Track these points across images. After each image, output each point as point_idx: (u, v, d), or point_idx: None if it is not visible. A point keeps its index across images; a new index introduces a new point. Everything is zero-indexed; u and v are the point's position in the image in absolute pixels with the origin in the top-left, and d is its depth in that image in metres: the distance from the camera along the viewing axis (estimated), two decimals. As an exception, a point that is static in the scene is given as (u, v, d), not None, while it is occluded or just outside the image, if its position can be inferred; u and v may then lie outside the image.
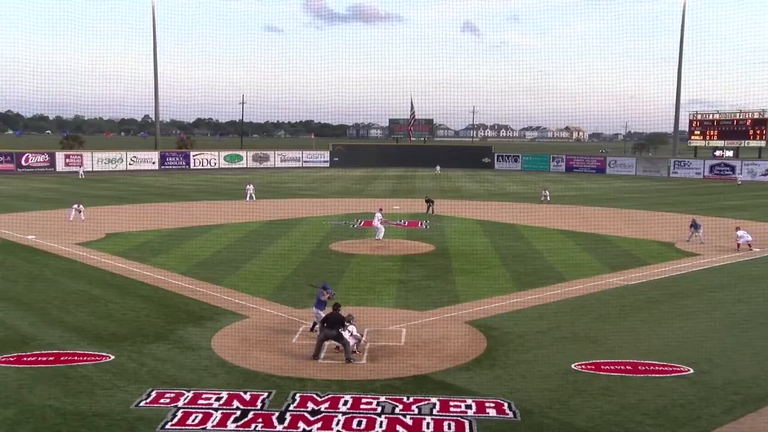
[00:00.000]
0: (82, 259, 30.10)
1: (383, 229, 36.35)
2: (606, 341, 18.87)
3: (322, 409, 14.07)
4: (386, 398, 14.65)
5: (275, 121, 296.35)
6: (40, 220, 41.28)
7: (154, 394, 14.82)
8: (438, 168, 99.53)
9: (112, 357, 17.22)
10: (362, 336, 18.21)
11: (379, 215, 37.17)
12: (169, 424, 13.39)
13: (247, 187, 57.29)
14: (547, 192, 59.12)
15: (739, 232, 34.62)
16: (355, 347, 17.50)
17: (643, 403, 14.57)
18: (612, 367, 16.75)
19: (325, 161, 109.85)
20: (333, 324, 17.24)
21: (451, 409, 14.22)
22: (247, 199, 55.34)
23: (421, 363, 17.02)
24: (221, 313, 21.61)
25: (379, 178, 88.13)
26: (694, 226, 36.87)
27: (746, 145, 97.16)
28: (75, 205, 43.55)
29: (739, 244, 34.14)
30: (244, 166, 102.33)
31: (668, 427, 13.54)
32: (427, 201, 49.65)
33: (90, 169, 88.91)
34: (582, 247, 34.76)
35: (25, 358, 17.11)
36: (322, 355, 17.33)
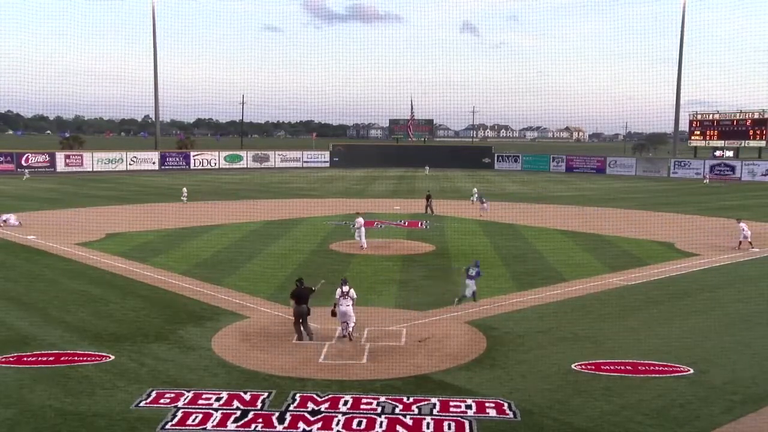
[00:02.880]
0: (83, 259, 30.11)
1: (363, 231, 34.16)
2: (606, 341, 18.88)
3: (322, 409, 14.07)
4: (386, 398, 14.66)
5: (275, 121, 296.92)
6: (40, 220, 41.30)
7: (154, 394, 14.83)
8: (427, 168, 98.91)
9: (113, 357, 17.24)
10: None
11: (359, 220, 34.71)
12: (169, 424, 13.40)
13: (183, 189, 57.20)
14: (477, 192, 54.53)
15: (742, 224, 34.62)
16: (351, 328, 18.61)
17: (643, 403, 14.58)
18: (612, 367, 16.75)
19: (325, 161, 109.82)
20: (301, 299, 18.65)
21: (451, 409, 14.23)
22: (184, 201, 54.12)
23: (421, 363, 17.03)
24: (221, 313, 21.62)
25: (380, 178, 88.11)
26: (480, 200, 48.28)
27: (746, 145, 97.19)
28: (5, 216, 40.41)
29: (740, 242, 34.14)
30: (244, 166, 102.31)
31: (668, 427, 13.55)
32: (427, 198, 49.62)
33: (90, 170, 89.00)
34: (582, 247, 34.77)
35: (25, 358, 17.12)
36: (306, 338, 18.67)
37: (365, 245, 33.63)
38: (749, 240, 34.23)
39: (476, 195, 53.73)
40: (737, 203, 58.14)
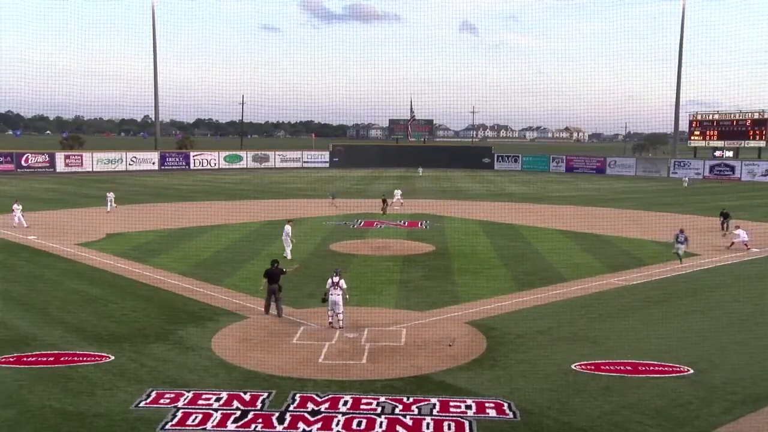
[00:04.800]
0: (83, 260, 30.11)
1: (290, 245, 31.32)
2: (606, 341, 18.88)
3: (322, 410, 14.08)
4: (386, 398, 14.66)
5: (275, 122, 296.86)
6: (40, 221, 41.31)
7: (154, 394, 14.83)
8: (420, 170, 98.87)
9: (112, 357, 17.24)
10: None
11: (288, 229, 31.60)
12: (169, 424, 13.40)
13: (108, 195, 49.64)
14: (398, 192, 54.44)
15: (738, 231, 34.63)
16: (341, 320, 19.62)
17: (642, 403, 14.59)
18: (612, 367, 16.76)
19: (324, 161, 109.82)
20: (273, 278, 20.96)
21: (451, 409, 14.23)
22: (108, 209, 47.95)
23: (421, 363, 17.03)
24: (221, 313, 21.63)
25: (380, 178, 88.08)
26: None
27: (746, 145, 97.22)
28: (15, 205, 40.32)
29: (733, 242, 34.15)
30: (244, 166, 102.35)
31: (668, 427, 13.56)
32: (383, 201, 49.20)
33: (90, 170, 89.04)
34: (582, 248, 34.77)
35: (25, 359, 17.12)
36: (272, 307, 21.04)
37: (289, 256, 30.37)
38: (745, 243, 34.08)
39: (398, 194, 54.47)
40: (738, 203, 58.13)
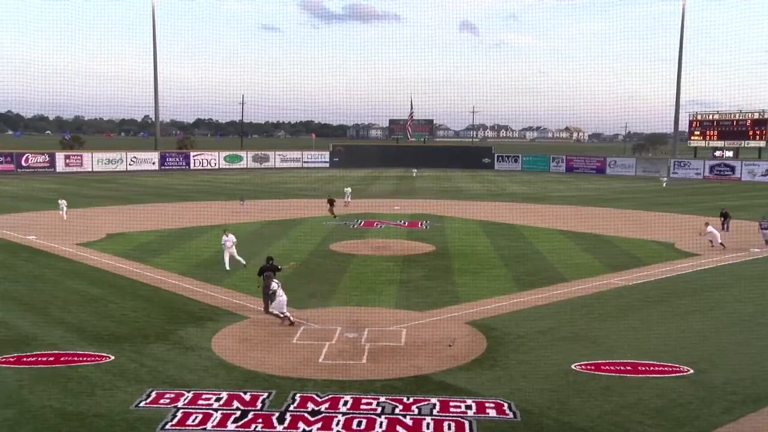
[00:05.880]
0: (83, 260, 30.11)
1: (233, 255, 28.87)
2: (606, 341, 18.88)
3: (322, 410, 14.08)
4: (386, 398, 14.66)
5: (275, 122, 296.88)
6: (40, 221, 41.31)
7: (154, 394, 14.83)
8: (415, 171, 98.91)
9: (112, 357, 17.24)
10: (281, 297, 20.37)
11: (228, 239, 28.90)
12: (169, 424, 13.40)
13: (60, 202, 45.74)
14: (348, 191, 55.52)
15: (709, 228, 34.52)
16: (283, 310, 20.14)
17: (642, 403, 14.59)
18: (612, 367, 16.76)
19: (325, 161, 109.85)
20: (268, 274, 21.69)
21: (451, 409, 14.23)
22: (65, 217, 43.64)
23: (422, 363, 17.03)
24: (221, 313, 21.63)
25: (380, 178, 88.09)
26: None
27: (746, 145, 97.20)
28: None
29: (722, 243, 34.06)
30: (244, 166, 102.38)
31: (668, 426, 13.56)
32: (329, 201, 48.25)
33: (90, 170, 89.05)
34: (582, 248, 34.77)
35: (25, 359, 17.12)
36: (270, 307, 20.98)
37: (228, 267, 28.34)
38: (719, 241, 34.06)
39: (348, 194, 54.92)
40: (738, 203, 58.12)
